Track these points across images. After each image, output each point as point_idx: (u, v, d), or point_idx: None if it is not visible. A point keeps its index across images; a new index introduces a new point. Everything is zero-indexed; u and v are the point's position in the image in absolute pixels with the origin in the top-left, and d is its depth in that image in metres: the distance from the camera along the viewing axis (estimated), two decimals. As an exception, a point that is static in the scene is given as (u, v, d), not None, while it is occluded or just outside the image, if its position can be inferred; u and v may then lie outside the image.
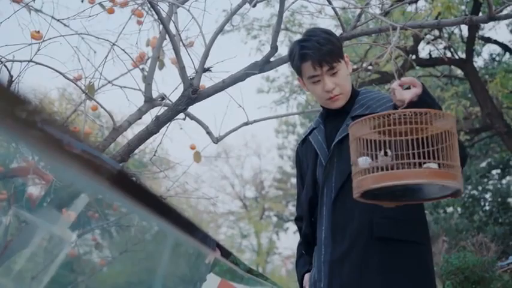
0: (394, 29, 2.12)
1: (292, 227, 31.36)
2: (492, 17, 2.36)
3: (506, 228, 14.10)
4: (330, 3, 2.60)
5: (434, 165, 1.63)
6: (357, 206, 2.05)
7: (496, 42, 14.57)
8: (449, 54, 13.92)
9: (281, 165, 29.52)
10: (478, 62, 16.44)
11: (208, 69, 2.96)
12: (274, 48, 2.81)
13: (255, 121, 3.61)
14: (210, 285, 3.94)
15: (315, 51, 2.08)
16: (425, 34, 11.64)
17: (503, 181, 16.25)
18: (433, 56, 13.20)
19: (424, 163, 1.63)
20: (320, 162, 2.22)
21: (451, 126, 1.69)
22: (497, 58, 17.10)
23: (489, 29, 15.13)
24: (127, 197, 0.92)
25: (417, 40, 11.61)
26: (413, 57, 12.40)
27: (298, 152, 2.41)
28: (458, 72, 14.69)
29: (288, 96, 16.38)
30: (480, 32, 14.66)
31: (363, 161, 1.68)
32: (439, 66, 14.90)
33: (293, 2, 2.91)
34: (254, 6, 2.67)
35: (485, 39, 14.67)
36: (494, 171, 16.66)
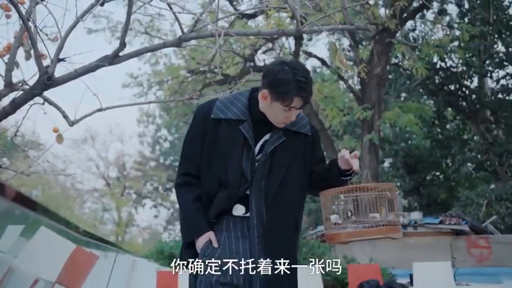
0: (220, 34, 2.16)
1: (149, 203, 30.83)
2: (299, 31, 2.49)
3: (318, 204, 15.06)
4: (170, 8, 2.59)
5: (379, 217, 2.08)
6: (287, 207, 2.13)
7: (315, 56, 15.39)
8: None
9: (141, 150, 29.41)
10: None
11: (62, 59, 2.83)
12: (122, 45, 2.78)
13: (107, 108, 3.50)
14: (61, 251, 3.76)
15: (310, 96, 2.10)
16: (260, 45, 12.01)
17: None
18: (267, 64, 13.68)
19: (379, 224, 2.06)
20: (247, 156, 2.11)
21: (392, 194, 2.11)
22: (318, 70, 18.28)
23: (312, 45, 15.96)
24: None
25: (255, 50, 11.97)
26: (252, 64, 12.77)
27: (207, 121, 2.16)
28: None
29: (146, 91, 16.13)
30: (305, 47, 15.40)
31: (334, 219, 2.09)
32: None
33: (141, 6, 2.87)
34: (102, 5, 2.60)
35: (308, 53, 15.44)
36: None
